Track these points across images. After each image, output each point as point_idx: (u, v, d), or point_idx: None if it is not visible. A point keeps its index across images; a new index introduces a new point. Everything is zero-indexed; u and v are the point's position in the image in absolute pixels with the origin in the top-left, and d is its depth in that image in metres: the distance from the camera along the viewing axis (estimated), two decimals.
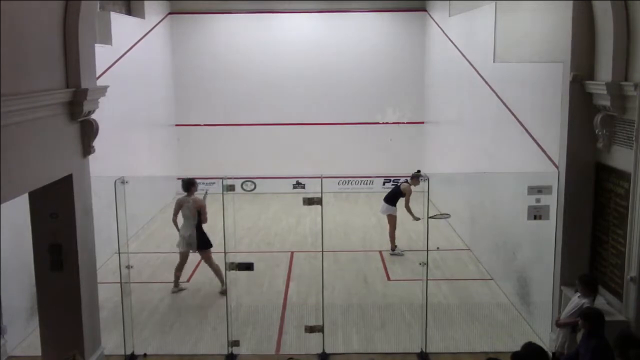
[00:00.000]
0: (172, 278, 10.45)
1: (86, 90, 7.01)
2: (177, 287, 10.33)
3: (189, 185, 10.13)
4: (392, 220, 12.03)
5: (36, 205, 7.06)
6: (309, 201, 8.02)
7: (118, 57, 12.58)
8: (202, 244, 10.03)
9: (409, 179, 11.88)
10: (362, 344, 8.47)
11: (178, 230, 10.11)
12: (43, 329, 7.33)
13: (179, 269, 10.30)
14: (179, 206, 10.07)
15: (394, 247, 12.08)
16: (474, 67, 12.06)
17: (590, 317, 5.89)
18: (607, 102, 6.84)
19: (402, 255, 11.87)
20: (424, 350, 8.09)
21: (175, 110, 17.29)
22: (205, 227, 10.18)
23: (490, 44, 10.94)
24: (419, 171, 11.94)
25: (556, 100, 7.74)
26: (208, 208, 10.21)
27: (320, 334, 8.19)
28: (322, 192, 7.92)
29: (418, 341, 8.27)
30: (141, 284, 10.34)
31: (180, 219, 10.08)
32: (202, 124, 17.45)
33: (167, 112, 16.83)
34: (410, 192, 11.82)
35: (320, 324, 8.25)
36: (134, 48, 13.77)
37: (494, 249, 10.77)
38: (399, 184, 12.31)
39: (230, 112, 17.37)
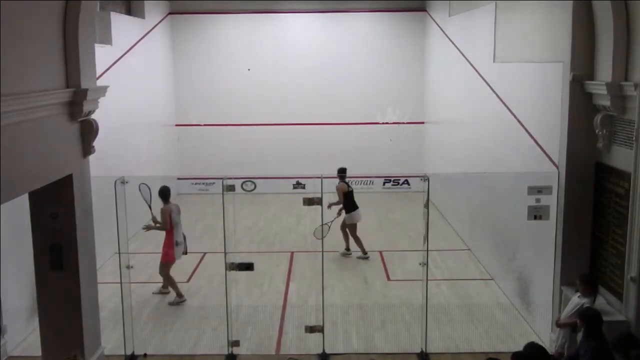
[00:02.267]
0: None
1: (86, 90, 7.01)
2: (182, 298, 9.90)
3: (169, 193, 9.88)
4: (349, 227, 11.89)
5: (36, 205, 7.05)
6: (309, 201, 8.03)
7: (118, 57, 12.58)
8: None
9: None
10: (362, 344, 8.47)
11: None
12: (43, 329, 7.32)
13: (170, 277, 9.95)
14: (169, 214, 9.71)
15: (364, 251, 11.88)
16: (474, 67, 12.06)
17: (588, 318, 5.90)
18: (607, 102, 6.84)
19: (350, 255, 11.92)
20: (424, 350, 8.08)
21: (175, 110, 17.29)
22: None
23: (490, 44, 10.94)
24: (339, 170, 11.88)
25: (556, 100, 7.74)
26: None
27: (321, 334, 8.19)
28: (322, 192, 7.93)
29: (418, 341, 8.27)
30: (141, 284, 10.34)
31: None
32: (202, 124, 17.45)
33: (167, 112, 16.82)
34: (340, 189, 11.71)
35: (321, 324, 8.25)
36: (134, 48, 13.77)
37: (494, 249, 10.77)
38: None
39: (230, 112, 17.37)
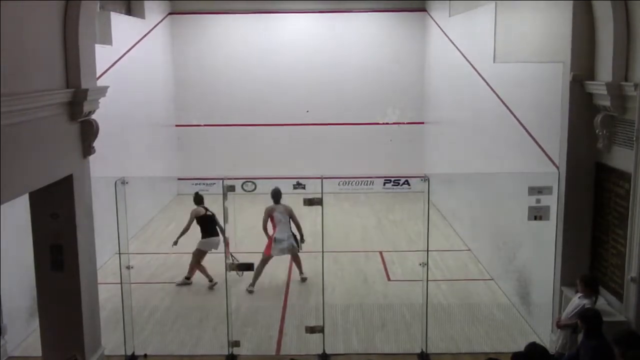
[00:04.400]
0: (172, 278, 10.47)
1: (86, 90, 7.01)
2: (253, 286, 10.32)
3: (280, 194, 10.50)
4: (197, 252, 10.67)
5: (37, 206, 7.05)
6: (309, 202, 8.03)
7: (118, 57, 12.58)
8: (298, 244, 10.50)
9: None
10: (362, 344, 8.47)
11: (267, 236, 10.39)
12: (43, 329, 7.32)
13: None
14: (269, 214, 10.37)
15: (210, 278, 10.53)
16: (474, 67, 12.06)
17: (588, 318, 5.89)
18: (607, 102, 6.84)
19: (190, 284, 10.68)
20: (424, 350, 8.08)
21: (175, 110, 17.28)
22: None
23: (490, 44, 10.94)
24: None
25: (556, 100, 7.74)
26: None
27: (321, 334, 8.19)
28: (322, 193, 7.93)
29: (418, 341, 8.26)
30: (141, 285, 10.34)
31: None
32: (202, 124, 17.45)
33: (167, 112, 16.82)
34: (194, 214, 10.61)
35: (321, 324, 8.24)
36: (134, 48, 13.76)
37: (494, 249, 10.77)
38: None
39: (230, 112, 17.37)
